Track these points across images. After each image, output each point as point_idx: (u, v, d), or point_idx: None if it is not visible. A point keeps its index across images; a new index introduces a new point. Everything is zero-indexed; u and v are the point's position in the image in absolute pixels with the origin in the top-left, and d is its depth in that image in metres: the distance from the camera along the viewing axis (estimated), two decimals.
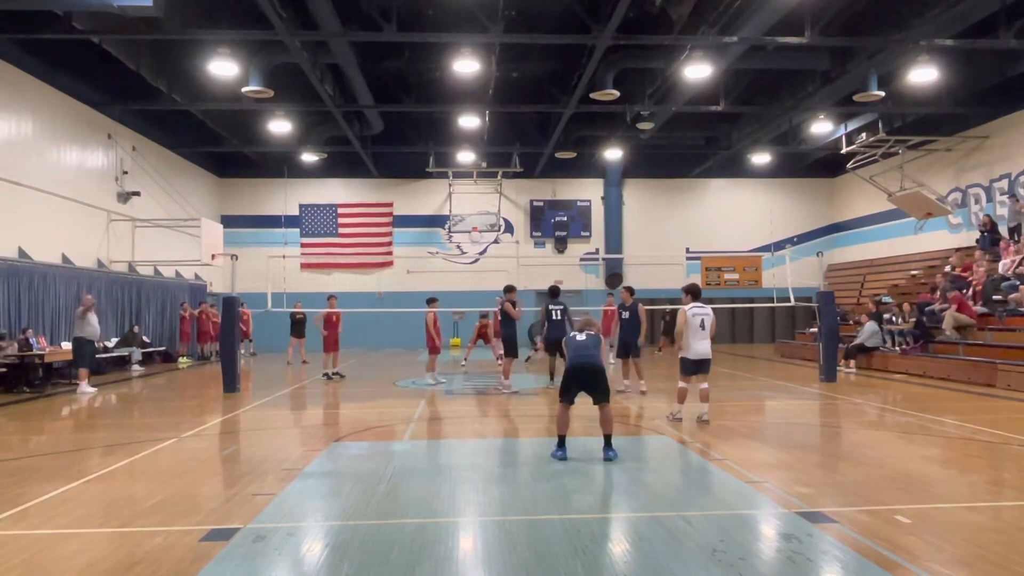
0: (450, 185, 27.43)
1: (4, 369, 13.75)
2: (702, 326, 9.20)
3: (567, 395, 7.27)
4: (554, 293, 13.06)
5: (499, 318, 13.24)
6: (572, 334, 7.55)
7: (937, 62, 16.39)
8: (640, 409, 10.90)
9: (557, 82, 19.57)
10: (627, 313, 12.75)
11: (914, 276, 22.11)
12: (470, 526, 5.18)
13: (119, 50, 15.79)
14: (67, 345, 15.96)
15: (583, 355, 7.23)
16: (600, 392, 7.19)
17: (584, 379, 7.19)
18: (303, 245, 27.69)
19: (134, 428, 9.94)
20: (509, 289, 13.10)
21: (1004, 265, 16.67)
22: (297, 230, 27.92)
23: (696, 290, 9.69)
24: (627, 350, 12.79)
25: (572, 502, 5.74)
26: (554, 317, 12.58)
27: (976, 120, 20.84)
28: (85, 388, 13.56)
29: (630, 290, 13.11)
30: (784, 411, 11.14)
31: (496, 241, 28.18)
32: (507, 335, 12.98)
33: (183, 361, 21.17)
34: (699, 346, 9.22)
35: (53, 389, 14.17)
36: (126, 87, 18.24)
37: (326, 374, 15.90)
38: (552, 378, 13.31)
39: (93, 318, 13.84)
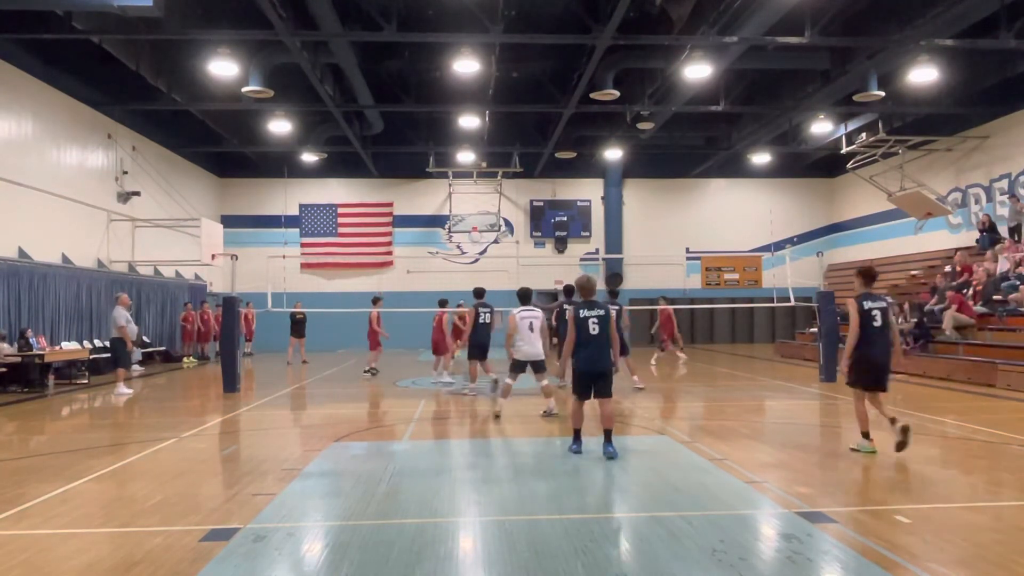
0: (450, 185, 27.42)
1: (4, 369, 13.74)
2: (531, 328, 9.65)
3: (582, 392, 7.39)
4: (569, 292, 13.00)
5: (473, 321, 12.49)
6: (582, 315, 7.26)
7: (937, 62, 16.39)
8: (639, 408, 10.89)
9: (557, 82, 19.56)
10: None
11: (914, 276, 22.10)
12: (470, 526, 5.18)
13: (119, 50, 15.79)
14: (68, 345, 16.00)
15: (596, 361, 7.26)
16: (604, 390, 7.30)
17: (595, 380, 7.31)
18: (303, 245, 27.69)
19: (134, 428, 9.94)
20: (479, 293, 12.84)
21: (1004, 265, 16.64)
22: (297, 230, 27.92)
23: (525, 294, 10.11)
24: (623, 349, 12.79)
25: (572, 502, 5.74)
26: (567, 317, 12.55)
27: (976, 120, 20.84)
28: (122, 389, 13.22)
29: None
30: (784, 411, 11.14)
31: (496, 241, 28.17)
32: (479, 341, 12.28)
33: (188, 361, 21.17)
34: (528, 348, 9.75)
35: (53, 389, 14.17)
36: (126, 87, 18.23)
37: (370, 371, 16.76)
38: (562, 376, 13.29)
39: (129, 315, 13.77)
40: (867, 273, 7.66)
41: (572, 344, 7.32)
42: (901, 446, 6.99)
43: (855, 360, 7.43)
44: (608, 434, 7.25)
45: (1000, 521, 5.18)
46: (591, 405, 7.49)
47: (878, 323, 7.35)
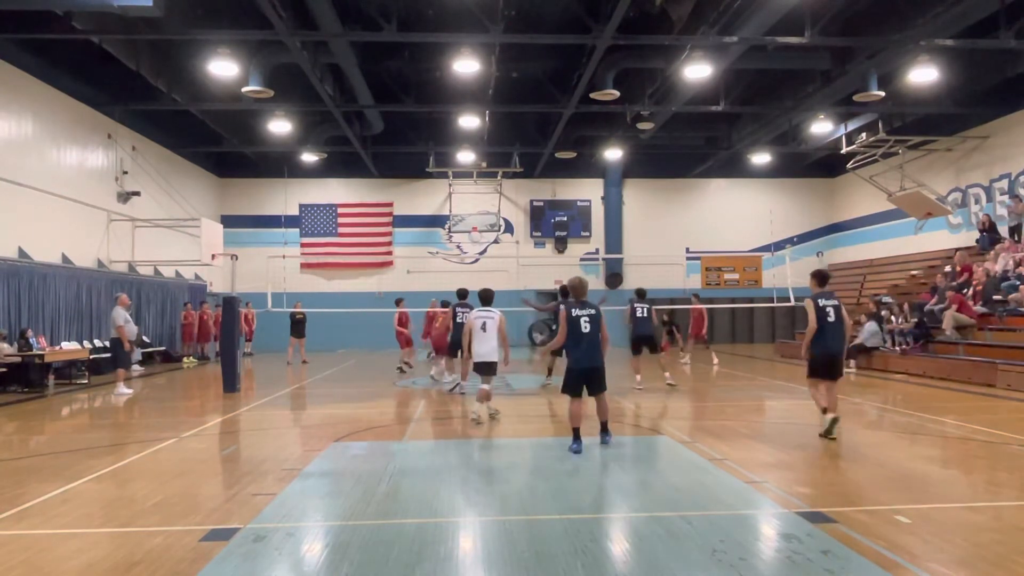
0: (450, 185, 27.43)
1: (4, 369, 13.74)
2: (483, 328, 9.58)
3: (575, 390, 7.57)
4: (565, 293, 13.17)
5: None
6: (574, 314, 7.54)
7: (937, 62, 16.39)
8: (639, 408, 10.89)
9: (557, 82, 19.56)
10: (643, 311, 13.12)
11: (914, 276, 22.11)
12: (470, 526, 5.18)
13: (119, 50, 15.78)
14: (68, 345, 16.00)
15: (589, 358, 7.52)
16: (599, 386, 7.60)
17: (588, 377, 7.56)
18: (303, 245, 27.68)
19: (134, 428, 9.95)
20: (462, 295, 13.09)
21: (1004, 264, 16.64)
22: (297, 230, 27.91)
23: (485, 296, 10.19)
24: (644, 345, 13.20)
25: (572, 502, 5.74)
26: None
27: (976, 120, 20.83)
28: (122, 389, 13.19)
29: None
30: (784, 411, 11.13)
31: (496, 241, 28.18)
32: (455, 340, 12.70)
33: (188, 361, 21.19)
34: (476, 347, 9.66)
35: (53, 389, 14.16)
36: (126, 87, 18.23)
37: (405, 367, 16.96)
38: (549, 374, 13.43)
39: (129, 316, 13.66)
40: (820, 275, 8.43)
41: (561, 341, 7.61)
42: (827, 434, 8.07)
43: (816, 354, 8.20)
44: (604, 424, 7.63)
45: (1000, 521, 5.18)
46: (588, 403, 7.55)
47: (832, 318, 8.08)
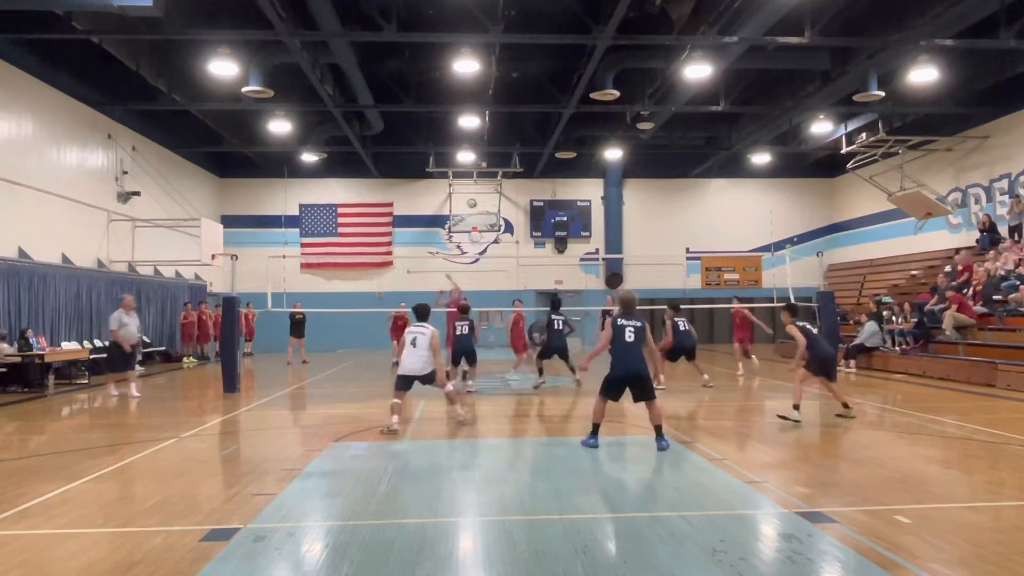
0: (450, 185, 27.42)
1: (4, 369, 13.73)
2: (413, 344, 9.36)
3: (609, 393, 7.84)
4: (556, 304, 13.62)
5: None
6: (620, 324, 7.82)
7: (937, 62, 16.38)
8: (639, 408, 10.87)
9: (557, 82, 19.56)
10: (684, 324, 13.43)
11: (914, 276, 22.11)
12: (470, 526, 5.18)
13: (119, 50, 15.78)
14: (68, 345, 15.99)
15: (630, 365, 7.73)
16: (646, 393, 7.74)
17: (630, 383, 7.77)
18: (303, 245, 27.67)
19: (134, 428, 9.94)
20: (464, 309, 13.43)
21: (1008, 265, 16.62)
22: (297, 230, 27.91)
23: (420, 311, 9.93)
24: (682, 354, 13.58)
25: (572, 502, 5.74)
26: (556, 327, 13.51)
27: (976, 120, 20.83)
28: (112, 391, 13.00)
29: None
30: (784, 411, 11.11)
31: (496, 241, 28.17)
32: (455, 349, 13.19)
33: (188, 361, 21.19)
34: (406, 361, 9.34)
35: (53, 389, 14.16)
36: (126, 87, 18.22)
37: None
38: (541, 374, 13.48)
39: (127, 319, 13.04)
40: (793, 308, 10.46)
41: (601, 348, 8.07)
42: (842, 416, 9.85)
43: (814, 358, 9.93)
44: (658, 429, 7.74)
45: (1000, 521, 5.19)
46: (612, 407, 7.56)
47: (815, 330, 10.16)
